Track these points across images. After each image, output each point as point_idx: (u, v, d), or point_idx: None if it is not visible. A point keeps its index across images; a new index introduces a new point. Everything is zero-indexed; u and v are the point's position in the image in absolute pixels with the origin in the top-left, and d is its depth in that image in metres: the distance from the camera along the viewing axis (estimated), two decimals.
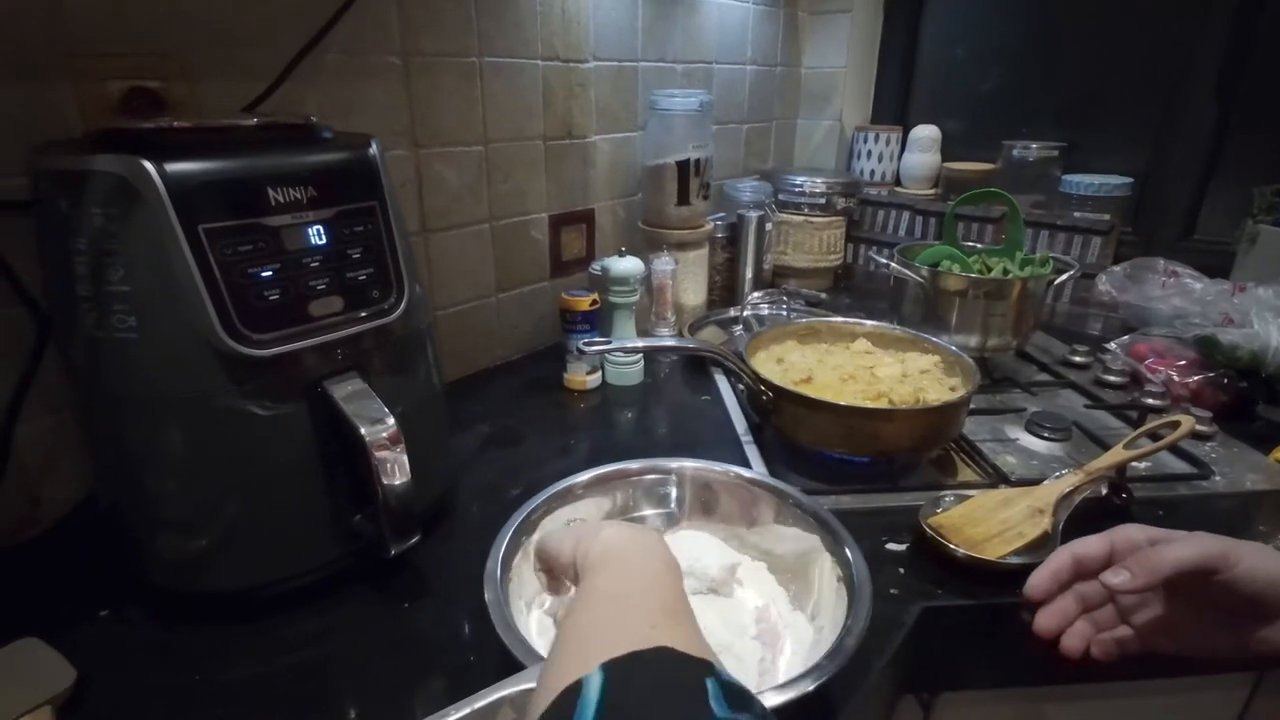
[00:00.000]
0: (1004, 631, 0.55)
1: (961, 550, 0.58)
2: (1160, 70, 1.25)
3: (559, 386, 0.93)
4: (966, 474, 0.74)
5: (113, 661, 0.49)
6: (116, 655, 0.50)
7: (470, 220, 0.91)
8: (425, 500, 0.60)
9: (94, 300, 0.46)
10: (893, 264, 0.96)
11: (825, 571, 0.52)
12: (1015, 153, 1.33)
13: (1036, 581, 0.48)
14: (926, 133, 1.43)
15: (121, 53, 0.59)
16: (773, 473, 0.68)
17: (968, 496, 0.65)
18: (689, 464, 0.61)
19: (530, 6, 0.90)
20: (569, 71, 0.98)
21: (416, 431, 0.53)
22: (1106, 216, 1.24)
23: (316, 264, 0.50)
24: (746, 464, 0.73)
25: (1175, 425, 0.65)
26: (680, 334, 1.07)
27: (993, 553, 0.57)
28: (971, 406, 0.75)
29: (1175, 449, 0.74)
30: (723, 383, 0.95)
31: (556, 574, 0.45)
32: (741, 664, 0.47)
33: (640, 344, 0.83)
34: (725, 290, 1.23)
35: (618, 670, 0.27)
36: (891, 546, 0.62)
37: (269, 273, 0.47)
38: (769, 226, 1.22)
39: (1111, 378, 0.94)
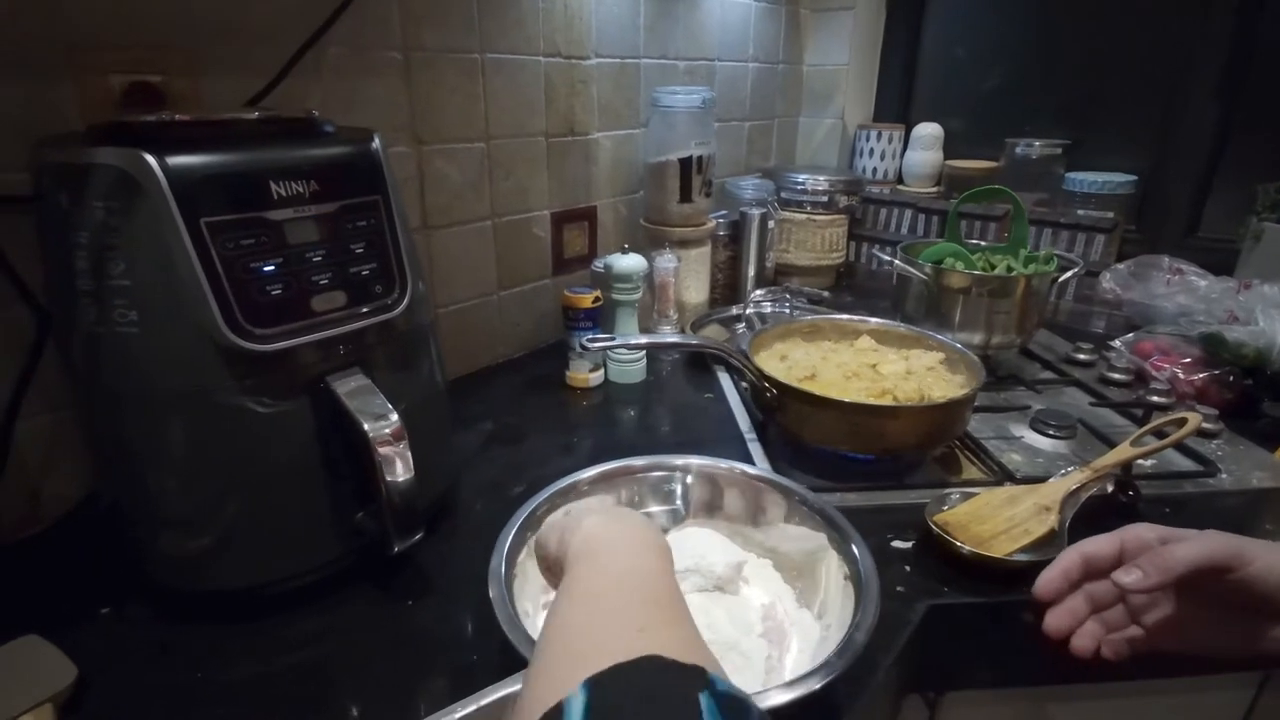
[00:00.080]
0: (1011, 630, 0.55)
1: (968, 548, 0.57)
2: (1162, 68, 1.25)
3: (561, 384, 0.92)
4: (971, 471, 0.74)
5: (114, 660, 0.49)
6: (117, 654, 0.50)
7: (472, 217, 0.91)
8: (427, 498, 0.60)
9: (95, 295, 0.45)
10: (896, 261, 0.96)
11: (832, 569, 0.51)
12: (1018, 150, 1.33)
13: (1046, 581, 0.47)
14: (929, 130, 1.43)
15: (123, 47, 0.58)
16: (776, 470, 0.68)
17: (973, 494, 0.64)
18: (695, 460, 0.61)
19: (532, 3, 0.90)
20: (571, 68, 0.97)
21: (419, 428, 0.52)
22: (1110, 214, 1.23)
23: (319, 258, 0.49)
24: (750, 462, 0.72)
25: (1181, 423, 0.64)
26: (683, 332, 1.07)
27: (999, 550, 0.57)
28: (976, 404, 0.75)
29: (1181, 447, 0.74)
30: (725, 380, 0.95)
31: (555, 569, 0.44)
32: (748, 661, 0.46)
33: (644, 340, 0.83)
34: (727, 288, 1.23)
35: (601, 690, 0.25)
36: (897, 544, 0.61)
37: (271, 267, 0.47)
38: (771, 224, 1.21)
39: (1116, 375, 0.93)
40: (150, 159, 0.42)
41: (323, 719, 0.46)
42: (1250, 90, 1.19)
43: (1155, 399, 0.82)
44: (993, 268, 0.96)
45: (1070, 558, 0.48)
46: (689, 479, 0.61)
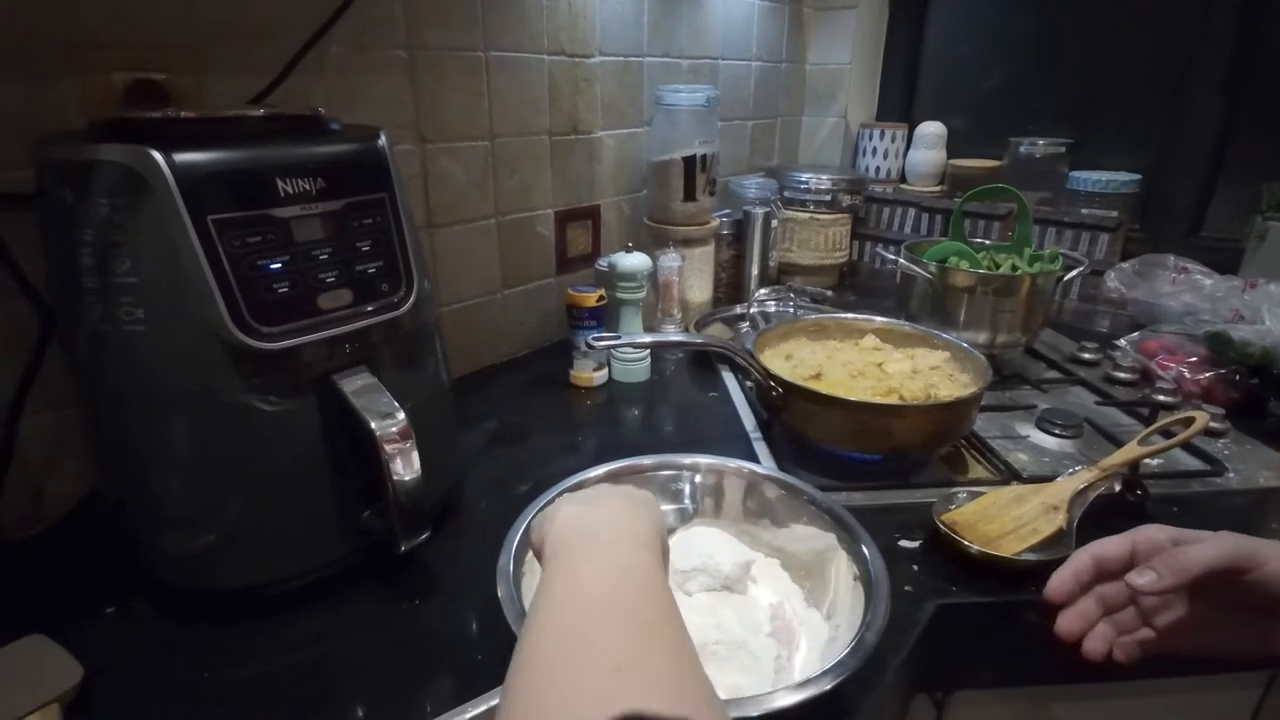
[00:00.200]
0: (1019, 629, 0.55)
1: (976, 547, 0.57)
2: (1165, 67, 1.25)
3: (565, 383, 0.92)
4: (978, 471, 0.74)
5: (119, 659, 0.49)
6: (123, 653, 0.50)
7: (476, 216, 0.90)
8: (433, 496, 0.60)
9: (100, 293, 0.45)
10: (901, 260, 0.96)
11: (841, 569, 0.51)
12: (1022, 149, 1.32)
13: (1057, 583, 0.47)
14: (932, 129, 1.43)
15: (125, 45, 0.58)
16: (782, 469, 0.68)
17: (980, 493, 0.64)
18: (703, 459, 0.61)
19: (536, 1, 0.90)
20: (575, 67, 0.97)
21: (424, 427, 0.52)
22: (1114, 213, 1.23)
23: (325, 256, 0.49)
24: (756, 461, 0.72)
25: (1188, 422, 0.64)
26: (687, 331, 1.07)
27: (1008, 549, 0.57)
28: (981, 403, 0.74)
29: (1188, 446, 0.74)
30: (730, 380, 0.95)
31: None
32: (756, 661, 0.46)
33: (650, 339, 0.82)
34: (731, 287, 1.23)
35: None
36: (905, 544, 0.61)
37: (278, 265, 0.47)
38: (775, 223, 1.21)
39: (1122, 375, 0.93)
40: (157, 155, 0.42)
41: (327, 718, 0.46)
42: (1255, 89, 1.19)
43: (1161, 398, 0.82)
44: (997, 267, 0.96)
45: (1081, 559, 0.47)
46: (697, 478, 0.61)
